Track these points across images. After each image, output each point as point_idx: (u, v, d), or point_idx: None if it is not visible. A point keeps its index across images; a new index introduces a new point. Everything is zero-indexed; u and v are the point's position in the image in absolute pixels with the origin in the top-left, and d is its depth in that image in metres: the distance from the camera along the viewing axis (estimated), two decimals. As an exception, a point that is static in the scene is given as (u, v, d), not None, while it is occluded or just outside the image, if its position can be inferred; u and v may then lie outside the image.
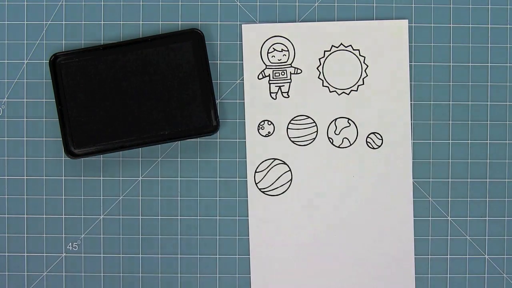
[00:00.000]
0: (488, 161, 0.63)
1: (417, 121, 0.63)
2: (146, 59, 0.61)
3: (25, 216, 0.63)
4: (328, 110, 0.63)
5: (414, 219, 0.63)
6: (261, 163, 0.62)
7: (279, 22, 0.63)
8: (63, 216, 0.63)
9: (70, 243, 0.63)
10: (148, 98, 0.61)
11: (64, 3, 0.63)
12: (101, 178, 0.63)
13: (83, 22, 0.63)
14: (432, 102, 0.63)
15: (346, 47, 0.63)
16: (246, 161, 0.63)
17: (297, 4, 0.63)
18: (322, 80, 0.63)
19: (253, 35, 0.63)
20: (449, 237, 0.63)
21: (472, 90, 0.63)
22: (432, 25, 0.63)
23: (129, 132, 0.61)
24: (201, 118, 0.61)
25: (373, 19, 0.63)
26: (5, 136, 0.63)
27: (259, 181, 0.62)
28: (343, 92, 0.63)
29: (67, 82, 0.61)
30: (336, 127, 0.63)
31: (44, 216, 0.63)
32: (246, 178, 0.63)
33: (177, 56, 0.61)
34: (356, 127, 0.63)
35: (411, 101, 0.63)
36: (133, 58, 0.61)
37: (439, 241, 0.63)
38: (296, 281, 0.62)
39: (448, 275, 0.63)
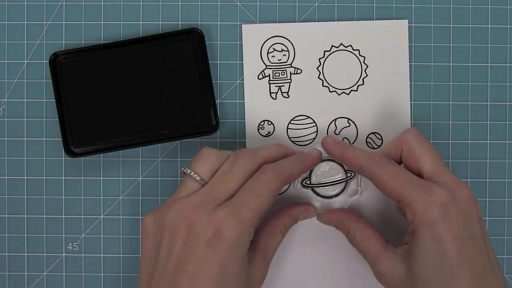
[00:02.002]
0: (488, 161, 0.63)
1: (417, 121, 0.63)
2: (146, 58, 0.61)
3: (25, 216, 0.63)
4: (328, 110, 0.63)
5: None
6: (261, 163, 0.63)
7: (279, 22, 0.63)
8: (63, 216, 0.63)
9: (70, 243, 0.63)
10: (148, 97, 0.61)
11: (64, 3, 0.63)
12: (101, 178, 0.63)
13: (83, 22, 0.63)
14: (432, 102, 0.63)
15: (346, 47, 0.63)
16: (246, 161, 0.63)
17: (297, 4, 0.63)
18: (322, 80, 0.63)
19: (253, 35, 0.63)
20: (449, 237, 0.63)
21: (472, 90, 0.63)
22: (432, 25, 0.63)
23: (129, 131, 0.61)
24: (201, 117, 0.61)
25: (373, 19, 0.63)
26: (5, 136, 0.63)
27: (259, 181, 0.62)
28: (343, 92, 0.63)
29: (67, 81, 0.61)
30: (336, 127, 0.63)
31: (44, 216, 0.63)
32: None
33: (177, 55, 0.61)
34: (356, 127, 0.63)
35: (411, 100, 0.63)
36: (133, 58, 0.61)
37: (439, 241, 0.63)
38: (296, 280, 0.62)
39: (448, 275, 0.63)
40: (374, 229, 0.56)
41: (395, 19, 0.63)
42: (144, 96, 0.61)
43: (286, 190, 0.62)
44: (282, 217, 0.58)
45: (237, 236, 0.49)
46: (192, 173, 0.54)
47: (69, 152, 0.61)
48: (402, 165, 0.56)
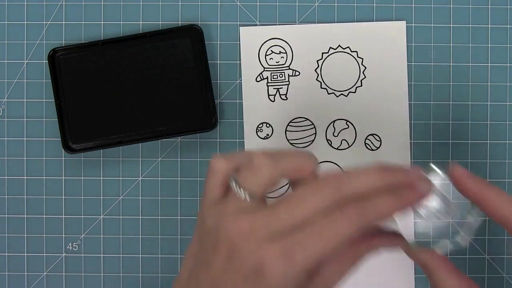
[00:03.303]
0: (488, 161, 0.63)
1: (417, 121, 0.63)
2: (145, 54, 0.61)
3: (25, 216, 0.63)
4: (326, 112, 0.63)
5: (414, 220, 0.63)
6: (259, 165, 0.62)
7: (279, 22, 0.63)
8: (63, 216, 0.63)
9: (70, 243, 0.63)
10: (146, 93, 0.61)
11: (64, 3, 0.63)
12: (101, 178, 0.63)
13: (83, 22, 0.63)
14: (432, 102, 0.63)
15: (344, 48, 0.63)
16: (245, 162, 0.63)
17: (297, 4, 0.63)
18: (320, 82, 0.63)
19: (251, 38, 0.63)
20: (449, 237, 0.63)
21: (472, 90, 0.63)
22: (432, 25, 0.63)
23: (127, 127, 0.61)
24: (199, 114, 0.61)
25: (373, 20, 0.63)
26: (5, 136, 0.63)
27: (258, 183, 0.62)
28: (341, 94, 0.63)
29: (66, 77, 0.61)
30: (334, 129, 0.63)
31: (44, 216, 0.63)
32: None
33: (176, 51, 0.61)
34: (355, 129, 0.63)
35: (410, 101, 0.63)
36: (132, 54, 0.61)
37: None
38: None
39: (448, 275, 0.63)
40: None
41: (395, 19, 0.63)
42: (143, 92, 0.61)
43: (286, 191, 0.62)
44: (359, 244, 0.46)
45: (282, 278, 0.40)
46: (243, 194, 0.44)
47: (68, 148, 0.61)
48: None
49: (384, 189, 0.42)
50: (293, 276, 0.40)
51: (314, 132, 0.63)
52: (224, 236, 0.42)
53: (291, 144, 0.63)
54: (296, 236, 0.40)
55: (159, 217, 0.63)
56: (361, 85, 0.63)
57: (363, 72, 0.63)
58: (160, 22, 0.63)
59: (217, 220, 0.43)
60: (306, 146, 0.63)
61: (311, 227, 0.40)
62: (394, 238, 0.47)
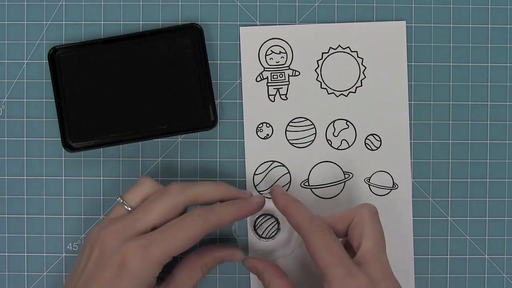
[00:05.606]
0: (488, 161, 0.63)
1: (417, 121, 0.63)
2: (145, 53, 0.61)
3: (25, 216, 0.63)
4: (326, 112, 0.63)
5: (414, 219, 0.63)
6: (260, 166, 0.63)
7: (279, 22, 0.63)
8: (63, 216, 0.63)
9: (70, 243, 0.63)
10: (146, 92, 0.61)
11: (64, 3, 0.63)
12: (101, 178, 0.63)
13: (83, 22, 0.63)
14: (432, 102, 0.63)
15: (344, 48, 0.63)
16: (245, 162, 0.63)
17: (297, 4, 0.63)
18: (320, 82, 0.63)
19: (251, 38, 0.63)
20: (449, 237, 0.63)
21: (472, 90, 0.63)
22: (432, 25, 0.63)
23: (127, 126, 0.61)
24: (199, 113, 0.61)
25: (373, 20, 0.63)
26: (5, 136, 0.63)
27: (258, 183, 0.62)
28: (341, 94, 0.63)
29: (66, 75, 0.61)
30: (334, 129, 0.63)
31: (44, 216, 0.63)
32: (245, 179, 0.63)
33: (176, 50, 0.61)
34: (355, 129, 0.63)
35: (410, 101, 0.63)
36: (132, 53, 0.61)
37: (439, 241, 0.63)
38: (295, 281, 0.62)
39: (448, 275, 0.63)
40: None
41: (395, 19, 0.63)
42: (143, 91, 0.61)
43: (287, 191, 0.62)
44: (206, 256, 0.58)
45: (139, 269, 0.50)
46: (121, 200, 0.56)
47: (67, 147, 0.61)
48: (345, 238, 0.55)
49: (227, 202, 0.55)
50: (147, 268, 0.51)
51: (314, 132, 0.63)
52: (99, 238, 0.52)
53: (291, 144, 0.63)
54: (153, 235, 0.51)
55: (159, 217, 0.63)
56: (361, 85, 0.63)
57: (363, 72, 0.63)
58: (160, 22, 0.63)
59: (98, 228, 0.54)
60: (306, 146, 0.63)
61: (166, 228, 0.52)
62: (234, 253, 0.59)
